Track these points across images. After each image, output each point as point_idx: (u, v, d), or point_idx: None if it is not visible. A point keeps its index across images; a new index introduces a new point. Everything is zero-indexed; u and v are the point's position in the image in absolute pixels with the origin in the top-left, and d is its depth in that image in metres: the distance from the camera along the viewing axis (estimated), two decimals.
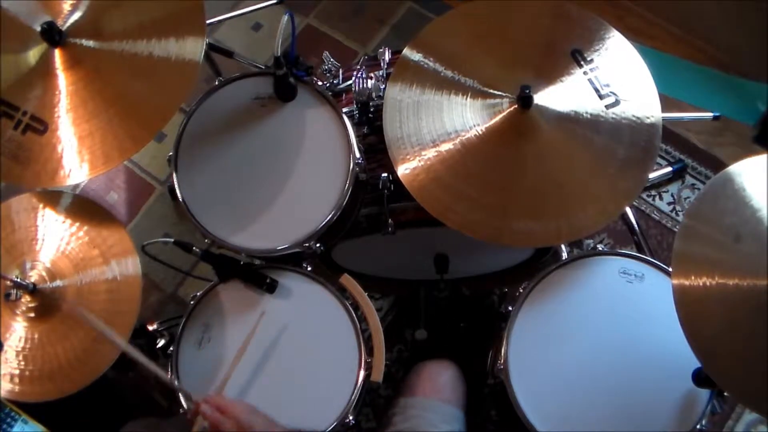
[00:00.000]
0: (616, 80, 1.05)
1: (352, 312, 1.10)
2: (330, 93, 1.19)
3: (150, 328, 1.39)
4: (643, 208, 1.71)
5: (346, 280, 1.09)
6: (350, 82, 1.23)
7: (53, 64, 1.04)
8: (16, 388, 1.05)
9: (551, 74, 1.06)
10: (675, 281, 0.86)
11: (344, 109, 1.17)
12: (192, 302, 1.13)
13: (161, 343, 1.31)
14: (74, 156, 1.02)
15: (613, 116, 1.03)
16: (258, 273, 1.12)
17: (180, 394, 1.04)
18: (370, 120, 1.20)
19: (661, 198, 1.73)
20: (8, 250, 1.13)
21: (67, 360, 1.05)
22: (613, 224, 1.66)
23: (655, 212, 1.71)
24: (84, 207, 1.16)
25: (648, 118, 1.03)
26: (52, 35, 1.03)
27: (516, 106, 1.03)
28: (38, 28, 1.02)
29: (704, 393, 1.01)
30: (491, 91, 1.06)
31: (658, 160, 1.73)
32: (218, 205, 1.13)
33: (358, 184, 1.13)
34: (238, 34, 1.99)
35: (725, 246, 0.86)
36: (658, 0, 1.84)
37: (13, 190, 1.18)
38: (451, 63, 1.09)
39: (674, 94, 1.77)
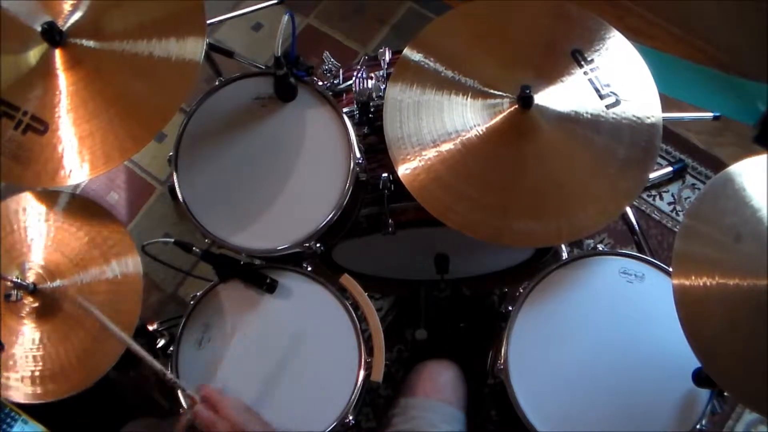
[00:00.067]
0: (616, 80, 1.05)
1: (352, 312, 1.10)
2: (330, 93, 1.18)
3: (150, 328, 1.38)
4: (643, 208, 1.72)
5: (346, 280, 1.09)
6: (350, 82, 1.23)
7: (54, 65, 1.04)
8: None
9: (551, 74, 1.06)
10: (675, 281, 0.86)
11: (344, 109, 1.17)
12: (192, 302, 1.13)
13: (161, 343, 1.31)
14: (75, 156, 1.02)
15: (614, 116, 1.03)
16: (258, 273, 1.12)
17: (178, 391, 1.04)
18: (370, 120, 1.20)
19: (661, 198, 1.73)
20: (8, 250, 1.12)
21: (68, 360, 1.05)
22: (613, 224, 1.66)
23: (656, 212, 1.71)
24: (84, 207, 1.16)
25: (648, 118, 1.03)
26: (53, 35, 1.02)
27: (516, 106, 1.03)
28: (39, 28, 1.02)
29: (704, 393, 1.01)
30: (491, 91, 1.06)
31: (659, 160, 1.73)
32: (218, 205, 1.13)
33: (359, 184, 1.12)
34: (239, 34, 1.99)
35: (725, 246, 0.86)
36: (658, 0, 1.84)
37: (13, 191, 1.18)
38: (452, 63, 1.09)
39: (674, 94, 1.77)
